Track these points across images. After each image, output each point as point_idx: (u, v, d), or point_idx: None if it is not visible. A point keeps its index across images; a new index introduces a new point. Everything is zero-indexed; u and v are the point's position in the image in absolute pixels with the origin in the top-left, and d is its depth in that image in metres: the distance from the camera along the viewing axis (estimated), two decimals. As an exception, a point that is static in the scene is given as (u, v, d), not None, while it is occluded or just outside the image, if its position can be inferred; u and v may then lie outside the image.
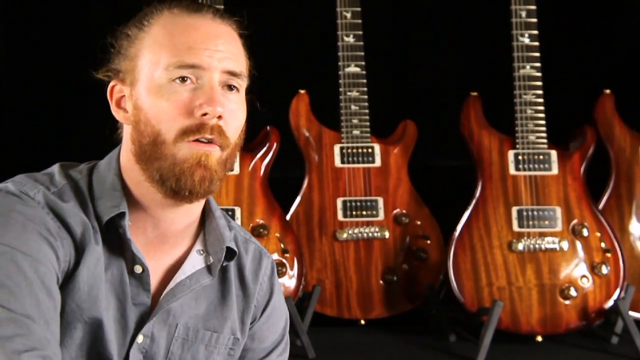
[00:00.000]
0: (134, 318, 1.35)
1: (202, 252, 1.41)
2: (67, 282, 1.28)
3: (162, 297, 1.37)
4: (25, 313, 1.17)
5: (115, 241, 1.33)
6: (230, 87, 1.33)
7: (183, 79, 1.29)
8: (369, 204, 3.17)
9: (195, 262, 1.39)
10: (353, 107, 3.17)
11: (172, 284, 1.37)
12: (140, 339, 1.35)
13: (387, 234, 3.17)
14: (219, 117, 1.29)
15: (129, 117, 1.34)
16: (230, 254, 1.41)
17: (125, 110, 1.35)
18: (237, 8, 1.40)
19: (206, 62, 1.29)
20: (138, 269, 1.34)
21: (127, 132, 1.36)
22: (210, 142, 1.29)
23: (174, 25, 1.32)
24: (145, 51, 1.32)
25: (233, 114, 1.32)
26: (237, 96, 1.34)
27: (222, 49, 1.32)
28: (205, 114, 1.28)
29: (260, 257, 1.49)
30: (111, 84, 1.37)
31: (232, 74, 1.32)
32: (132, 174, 1.34)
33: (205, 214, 1.43)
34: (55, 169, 1.38)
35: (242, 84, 1.35)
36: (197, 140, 1.28)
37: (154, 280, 1.36)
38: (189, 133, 1.28)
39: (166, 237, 1.38)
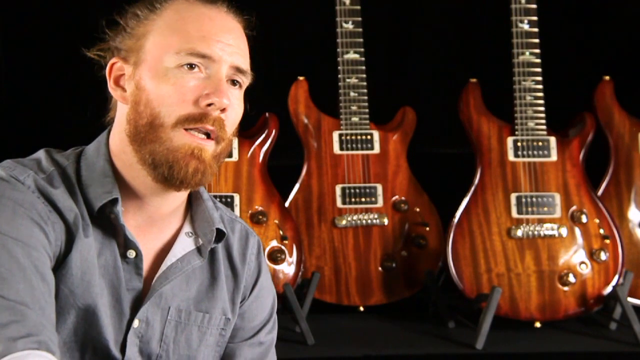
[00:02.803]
0: (128, 303, 1.36)
1: (190, 234, 1.42)
2: (60, 267, 1.29)
3: (154, 280, 1.37)
4: (20, 299, 1.17)
5: (107, 227, 1.34)
6: (234, 82, 1.34)
7: (191, 67, 1.30)
8: (367, 190, 3.17)
9: (185, 245, 1.40)
10: (352, 93, 3.17)
11: (163, 267, 1.38)
12: (136, 323, 1.36)
13: (386, 221, 3.17)
14: (222, 109, 1.30)
15: (127, 96, 1.34)
16: (219, 235, 1.42)
17: (123, 89, 1.35)
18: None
19: (217, 54, 1.31)
20: (131, 253, 1.35)
21: (122, 113, 1.36)
22: (207, 136, 1.30)
23: (188, 12, 1.33)
24: (155, 33, 1.33)
25: (234, 108, 1.34)
26: (239, 92, 1.36)
27: (233, 44, 1.33)
28: (210, 104, 1.29)
29: (246, 236, 1.51)
30: (112, 60, 1.37)
31: (239, 70, 1.34)
32: (124, 156, 1.35)
33: (192, 195, 1.44)
34: (41, 154, 1.38)
35: (245, 81, 1.37)
36: (194, 130, 1.29)
37: (145, 264, 1.37)
38: (190, 121, 1.29)
39: (154, 220, 1.38)
